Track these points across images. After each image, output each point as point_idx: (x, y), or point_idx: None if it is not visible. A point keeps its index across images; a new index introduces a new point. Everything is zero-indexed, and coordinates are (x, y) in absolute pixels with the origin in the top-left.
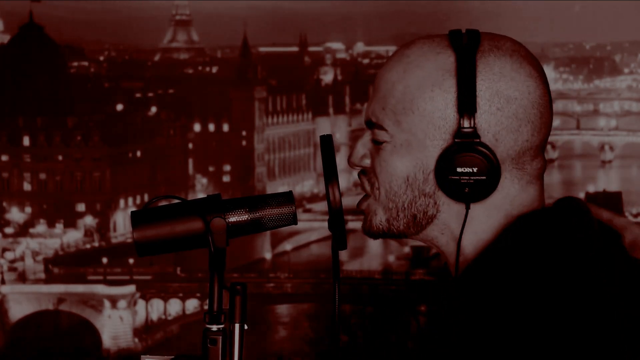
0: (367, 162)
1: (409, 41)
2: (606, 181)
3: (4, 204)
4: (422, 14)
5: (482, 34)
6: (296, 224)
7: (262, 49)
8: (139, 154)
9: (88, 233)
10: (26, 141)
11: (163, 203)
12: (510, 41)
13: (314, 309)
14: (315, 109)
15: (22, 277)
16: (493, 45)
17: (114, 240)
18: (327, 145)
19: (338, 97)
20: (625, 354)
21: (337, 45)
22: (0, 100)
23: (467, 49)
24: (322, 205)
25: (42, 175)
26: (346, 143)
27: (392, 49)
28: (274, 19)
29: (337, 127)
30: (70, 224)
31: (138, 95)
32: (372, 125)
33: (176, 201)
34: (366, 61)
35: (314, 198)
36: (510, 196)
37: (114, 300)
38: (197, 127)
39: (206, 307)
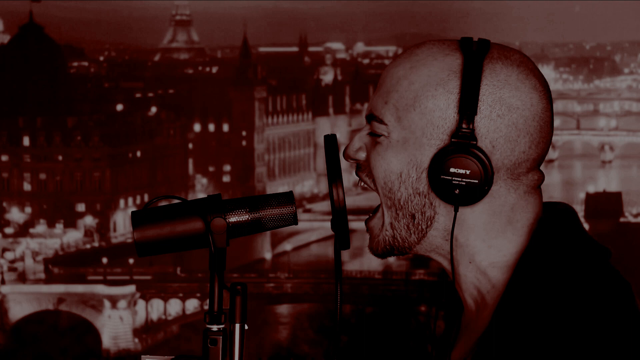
0: (362, 155)
1: (420, 42)
2: (606, 181)
3: (4, 204)
4: (423, 14)
5: (493, 44)
6: (296, 224)
7: (262, 49)
8: (138, 154)
9: (88, 233)
10: (26, 141)
11: (163, 203)
12: (520, 54)
13: (314, 309)
14: (315, 109)
15: (22, 277)
16: (502, 55)
17: (114, 241)
18: (331, 145)
19: (338, 97)
20: None
21: (337, 45)
22: (0, 100)
23: (476, 54)
24: (322, 206)
25: (42, 175)
26: (346, 143)
27: (392, 49)
28: (274, 19)
29: (337, 127)
30: (70, 224)
31: (138, 95)
32: (372, 118)
33: (176, 201)
34: (366, 61)
35: (314, 198)
36: (509, 204)
37: (114, 300)
38: (197, 127)
39: (206, 307)
